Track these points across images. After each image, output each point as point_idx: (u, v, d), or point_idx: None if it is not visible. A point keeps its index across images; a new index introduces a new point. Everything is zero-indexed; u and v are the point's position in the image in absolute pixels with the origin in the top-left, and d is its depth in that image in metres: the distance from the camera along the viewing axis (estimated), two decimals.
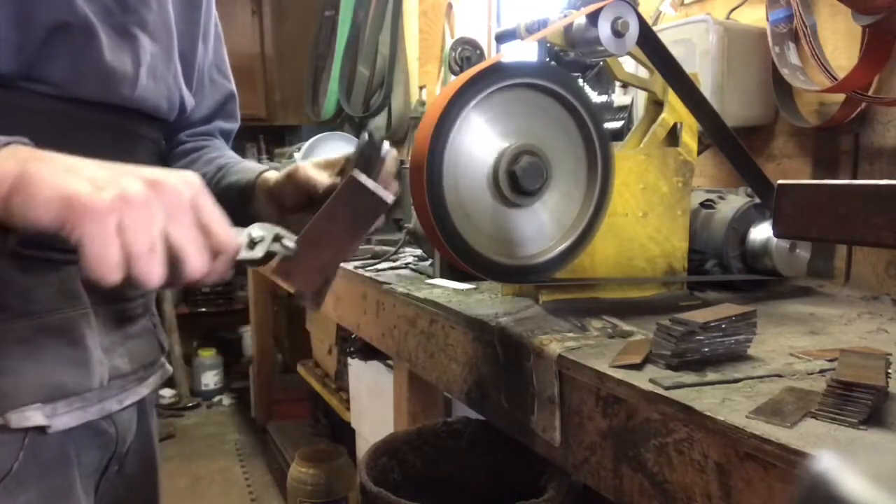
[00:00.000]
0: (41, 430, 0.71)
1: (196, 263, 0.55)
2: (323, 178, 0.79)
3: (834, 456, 0.25)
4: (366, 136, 0.73)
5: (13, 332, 0.68)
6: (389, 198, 0.69)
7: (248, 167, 0.92)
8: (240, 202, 0.86)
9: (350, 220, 0.69)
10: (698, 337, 0.82)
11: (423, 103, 3.28)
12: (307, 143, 2.73)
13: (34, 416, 0.70)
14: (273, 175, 0.87)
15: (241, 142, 5.21)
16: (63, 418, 0.73)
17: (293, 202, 0.82)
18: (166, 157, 0.97)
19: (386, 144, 0.76)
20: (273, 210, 0.85)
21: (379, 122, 3.47)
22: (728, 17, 1.64)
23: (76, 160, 0.54)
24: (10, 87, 0.64)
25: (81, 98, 0.69)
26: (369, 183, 0.68)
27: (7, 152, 0.52)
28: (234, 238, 0.60)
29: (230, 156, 1.01)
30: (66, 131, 0.69)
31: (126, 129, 0.76)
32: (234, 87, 1.09)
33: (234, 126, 1.11)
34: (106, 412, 0.78)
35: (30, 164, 0.51)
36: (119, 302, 0.81)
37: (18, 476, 0.68)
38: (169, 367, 0.93)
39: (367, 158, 0.72)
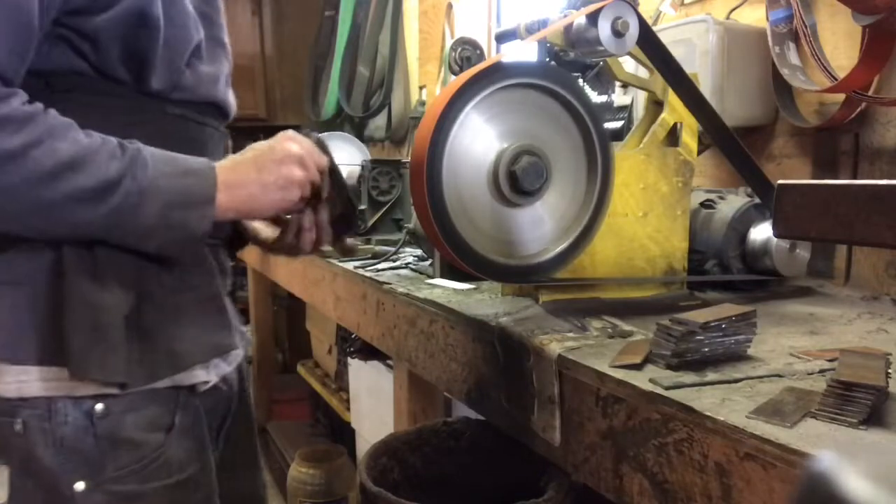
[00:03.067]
0: (191, 390, 0.85)
1: None
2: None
3: (834, 456, 0.25)
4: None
5: (176, 305, 0.82)
6: None
7: None
8: None
9: None
10: (698, 337, 0.82)
11: (423, 103, 3.28)
12: None
13: (199, 374, 0.86)
14: None
15: (242, 141, 5.19)
16: (211, 375, 0.89)
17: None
18: None
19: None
20: None
21: (379, 122, 3.47)
22: (728, 17, 1.64)
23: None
24: (157, 96, 0.78)
25: (197, 99, 0.84)
26: None
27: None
28: None
29: None
30: (187, 130, 0.84)
31: (212, 125, 0.89)
32: None
33: None
34: (223, 372, 0.92)
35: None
36: (225, 277, 0.95)
37: (179, 429, 0.83)
38: (250, 336, 1.04)
39: None
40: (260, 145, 0.83)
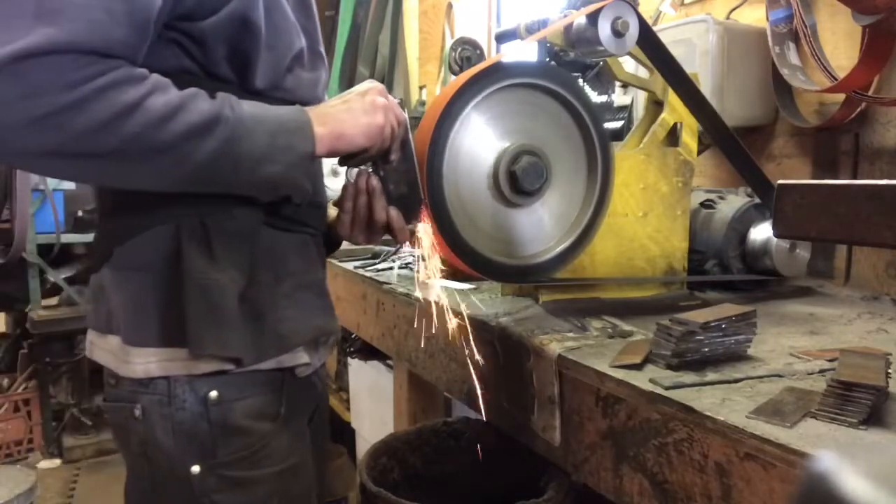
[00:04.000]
0: (293, 375, 0.89)
1: None
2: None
3: (834, 456, 0.25)
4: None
5: (281, 289, 0.87)
6: None
7: None
8: None
9: None
10: (698, 337, 0.82)
11: (423, 103, 3.28)
12: None
13: (302, 356, 0.89)
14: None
15: None
16: (314, 360, 0.93)
17: None
18: None
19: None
20: None
21: None
22: (728, 17, 1.64)
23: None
24: (259, 95, 0.82)
25: (298, 100, 0.87)
26: None
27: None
28: None
29: None
30: None
31: None
32: None
33: None
34: (314, 367, 0.96)
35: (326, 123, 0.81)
36: (323, 269, 0.99)
37: (283, 419, 0.88)
38: (338, 334, 1.06)
39: None
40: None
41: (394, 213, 0.92)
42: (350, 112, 0.84)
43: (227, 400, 0.83)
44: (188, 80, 0.78)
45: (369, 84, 0.88)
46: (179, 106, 0.72)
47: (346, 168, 0.92)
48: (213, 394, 0.82)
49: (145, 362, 0.81)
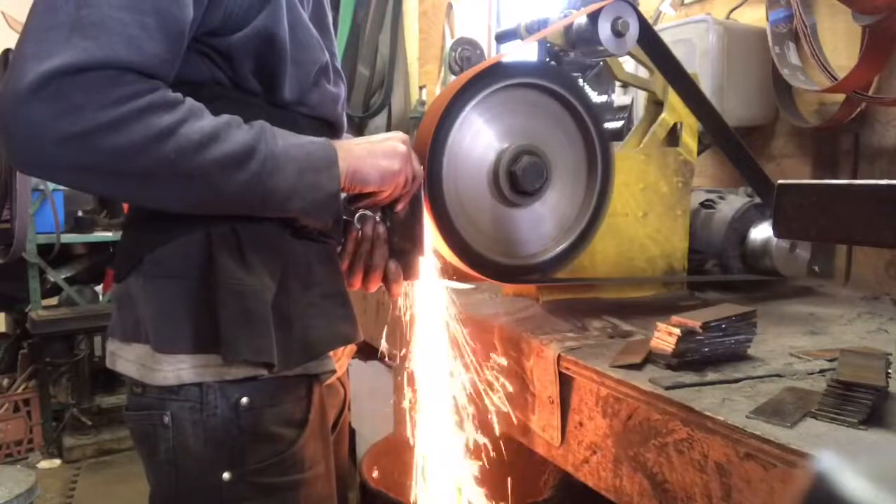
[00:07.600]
0: (319, 381, 0.89)
1: None
2: None
3: (834, 456, 0.25)
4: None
5: (307, 297, 0.87)
6: None
7: None
8: None
9: None
10: (698, 337, 0.83)
11: (423, 103, 3.28)
12: None
13: (328, 364, 0.90)
14: None
15: None
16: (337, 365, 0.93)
17: None
18: None
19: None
20: None
21: (379, 122, 3.48)
22: (728, 17, 1.64)
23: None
24: (285, 108, 0.85)
25: (321, 116, 0.89)
26: None
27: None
28: None
29: None
30: None
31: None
32: None
33: None
34: (339, 373, 0.95)
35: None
36: (344, 279, 0.99)
37: (311, 425, 0.88)
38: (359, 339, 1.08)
39: None
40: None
41: (393, 266, 0.93)
42: (371, 152, 0.85)
43: (257, 406, 0.82)
44: (218, 91, 0.79)
45: (394, 133, 0.90)
46: (213, 135, 0.72)
47: (354, 214, 0.92)
48: (245, 400, 0.82)
49: (176, 369, 0.80)
